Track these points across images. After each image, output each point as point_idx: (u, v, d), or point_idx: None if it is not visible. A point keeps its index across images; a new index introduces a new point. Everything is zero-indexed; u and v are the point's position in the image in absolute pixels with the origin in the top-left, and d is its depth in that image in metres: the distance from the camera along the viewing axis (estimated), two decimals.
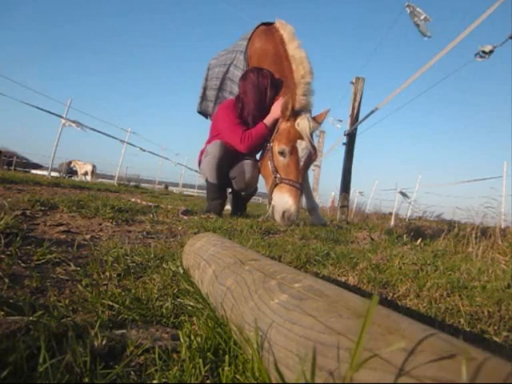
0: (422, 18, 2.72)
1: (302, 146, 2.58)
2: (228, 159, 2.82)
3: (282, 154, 2.58)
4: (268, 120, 2.76)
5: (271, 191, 2.62)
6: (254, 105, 2.81)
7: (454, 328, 0.82)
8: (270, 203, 2.66)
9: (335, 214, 4.58)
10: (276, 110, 2.73)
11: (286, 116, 2.60)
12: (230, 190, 3.23)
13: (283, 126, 2.65)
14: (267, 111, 2.79)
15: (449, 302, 1.00)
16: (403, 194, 6.20)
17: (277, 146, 2.61)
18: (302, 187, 2.56)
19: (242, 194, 2.97)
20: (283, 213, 2.47)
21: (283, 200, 2.48)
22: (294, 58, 2.78)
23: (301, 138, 2.58)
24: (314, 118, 2.71)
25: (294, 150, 2.57)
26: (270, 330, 0.44)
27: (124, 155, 10.81)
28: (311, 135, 2.62)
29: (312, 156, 2.65)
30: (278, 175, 2.58)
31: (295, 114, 2.63)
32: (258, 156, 2.99)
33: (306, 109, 2.68)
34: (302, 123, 2.58)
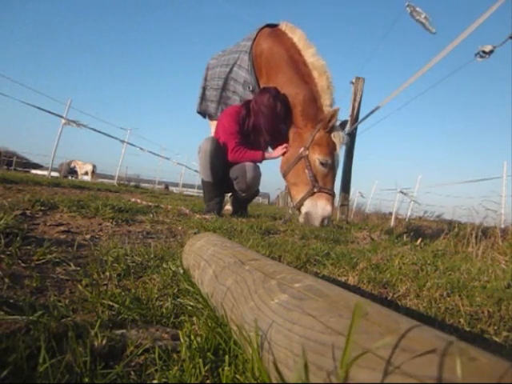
0: (423, 16, 2.74)
1: (337, 158, 2.82)
2: (222, 155, 2.80)
3: (324, 164, 2.73)
4: (268, 155, 2.91)
5: (305, 198, 2.76)
6: (264, 127, 2.86)
7: (454, 328, 0.82)
8: (298, 208, 2.83)
9: (335, 214, 4.58)
10: (278, 152, 2.89)
11: (329, 128, 2.73)
12: (230, 194, 3.24)
13: (321, 136, 2.76)
14: (273, 129, 2.88)
15: (449, 302, 1.00)
16: (404, 193, 6.22)
17: (318, 156, 2.73)
18: (334, 194, 2.82)
19: (243, 195, 2.96)
20: (323, 219, 2.68)
21: (323, 208, 2.69)
22: (314, 65, 2.84)
23: (336, 149, 2.79)
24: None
25: (332, 161, 2.78)
26: (270, 329, 0.44)
27: (124, 155, 10.82)
28: None
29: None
30: (317, 184, 2.72)
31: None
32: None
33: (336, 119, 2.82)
34: (338, 135, 2.76)
